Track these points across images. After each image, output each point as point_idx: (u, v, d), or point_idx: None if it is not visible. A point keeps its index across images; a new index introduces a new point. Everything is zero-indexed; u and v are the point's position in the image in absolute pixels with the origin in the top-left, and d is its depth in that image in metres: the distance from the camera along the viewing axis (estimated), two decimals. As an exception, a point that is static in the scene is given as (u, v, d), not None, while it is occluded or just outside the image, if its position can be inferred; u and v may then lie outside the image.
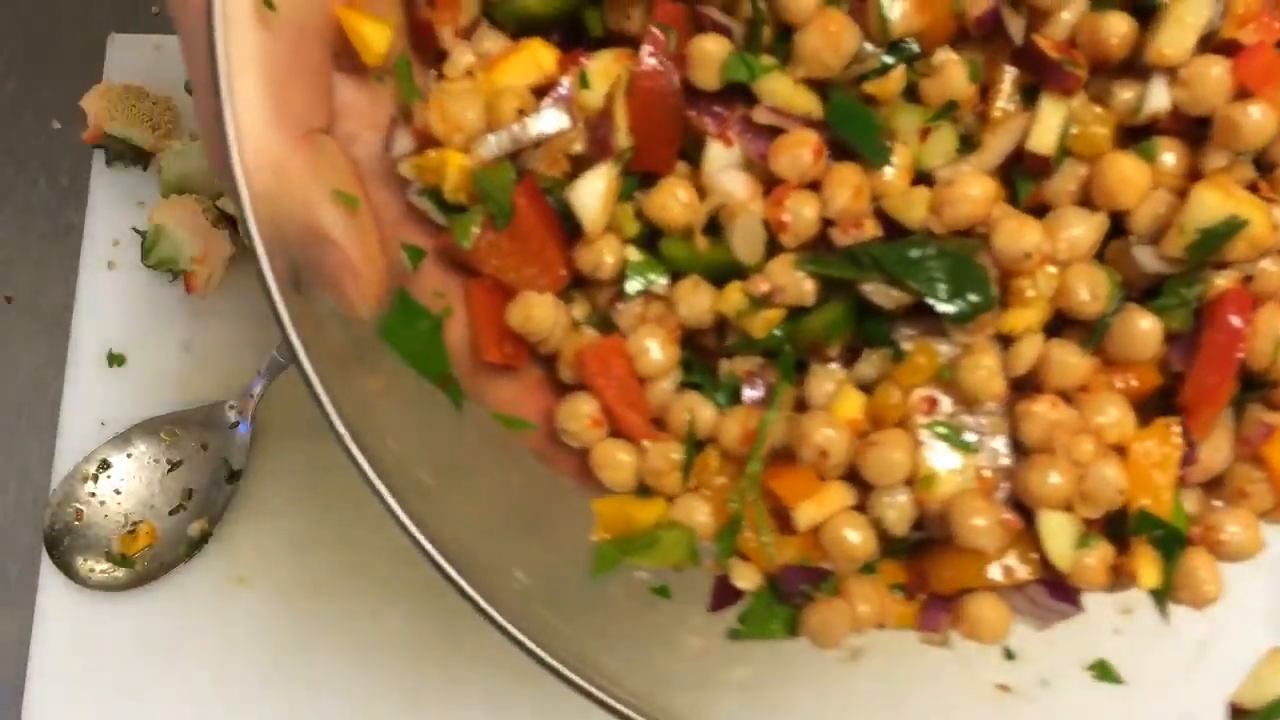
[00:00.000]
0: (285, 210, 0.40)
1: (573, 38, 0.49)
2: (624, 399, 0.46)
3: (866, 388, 0.48)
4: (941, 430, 0.46)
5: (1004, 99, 0.47)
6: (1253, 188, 0.46)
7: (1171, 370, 0.47)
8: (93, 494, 0.81)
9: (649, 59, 0.45)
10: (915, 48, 0.47)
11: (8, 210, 0.91)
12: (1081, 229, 0.46)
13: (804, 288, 0.46)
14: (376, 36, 0.43)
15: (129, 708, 0.79)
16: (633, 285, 0.47)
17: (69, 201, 0.90)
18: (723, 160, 0.47)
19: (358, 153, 0.45)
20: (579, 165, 0.47)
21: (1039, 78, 0.46)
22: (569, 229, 0.47)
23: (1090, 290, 0.45)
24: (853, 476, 0.47)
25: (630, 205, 0.47)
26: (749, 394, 0.48)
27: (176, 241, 0.84)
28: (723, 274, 0.47)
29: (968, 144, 0.48)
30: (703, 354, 0.49)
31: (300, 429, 0.80)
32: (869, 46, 0.46)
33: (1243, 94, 0.44)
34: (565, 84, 0.46)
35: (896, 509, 0.46)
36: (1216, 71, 0.44)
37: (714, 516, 0.46)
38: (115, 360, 0.86)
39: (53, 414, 0.85)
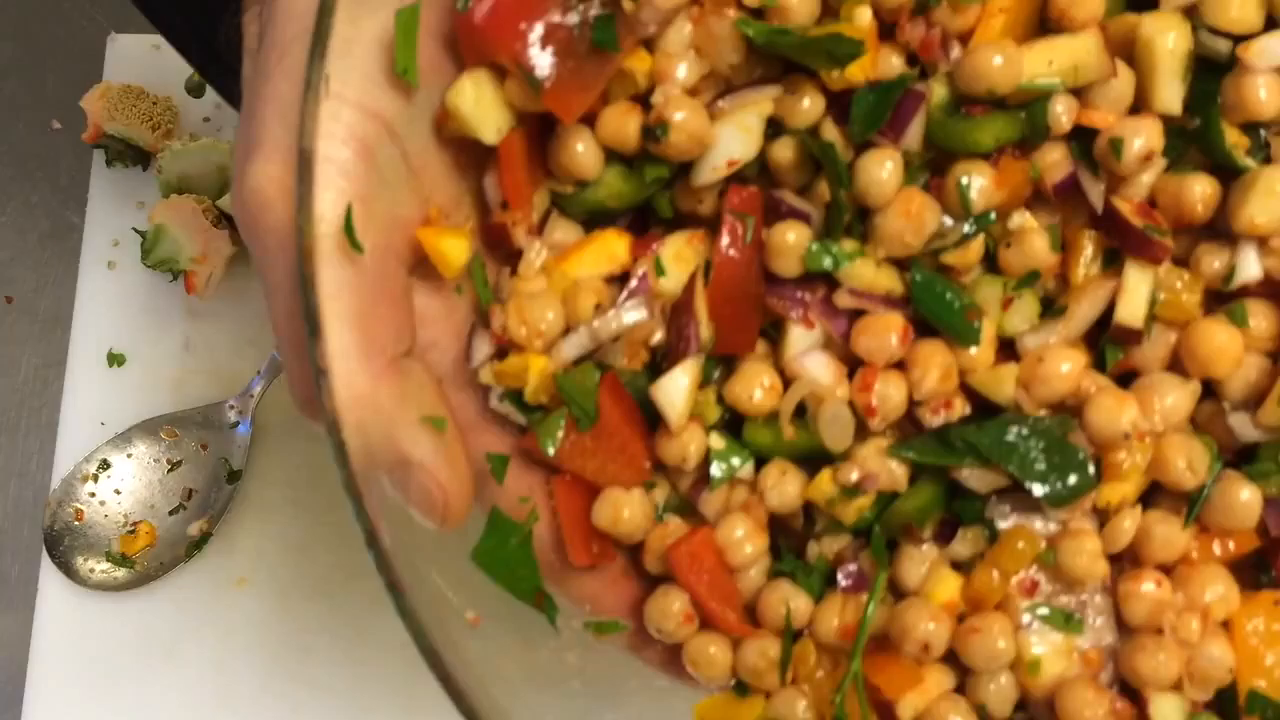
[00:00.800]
0: (375, 440, 0.39)
1: (643, 221, 0.48)
2: (716, 593, 0.45)
3: (960, 565, 0.47)
4: (1044, 612, 0.45)
5: (1086, 262, 0.47)
6: (1347, 349, 0.45)
7: (1270, 533, 0.46)
8: (93, 494, 0.80)
9: (728, 249, 0.45)
10: (992, 215, 0.46)
11: (8, 210, 0.91)
12: (1175, 397, 0.45)
13: (896, 475, 0.45)
14: (456, 251, 0.42)
15: (129, 708, 0.78)
16: (718, 473, 0.46)
17: (69, 201, 0.91)
18: (805, 343, 0.46)
19: (436, 359, 0.44)
20: (658, 355, 0.46)
21: (1122, 244, 0.46)
22: (650, 419, 0.46)
23: (1188, 462, 0.44)
24: (950, 655, 0.46)
25: (711, 390, 0.46)
26: (847, 575, 0.47)
27: (176, 241, 0.84)
28: (811, 458, 0.46)
29: (1049, 305, 0.48)
30: (789, 536, 0.48)
31: (300, 429, 0.80)
32: (948, 221, 0.45)
33: (1336, 261, 0.44)
34: (640, 273, 0.45)
35: (999, 692, 0.45)
36: (1309, 239, 0.43)
37: (815, 712, 0.45)
38: (115, 360, 0.85)
39: (53, 414, 0.85)
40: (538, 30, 0.40)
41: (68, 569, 0.79)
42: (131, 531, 0.80)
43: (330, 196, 0.37)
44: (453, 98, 0.41)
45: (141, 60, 0.90)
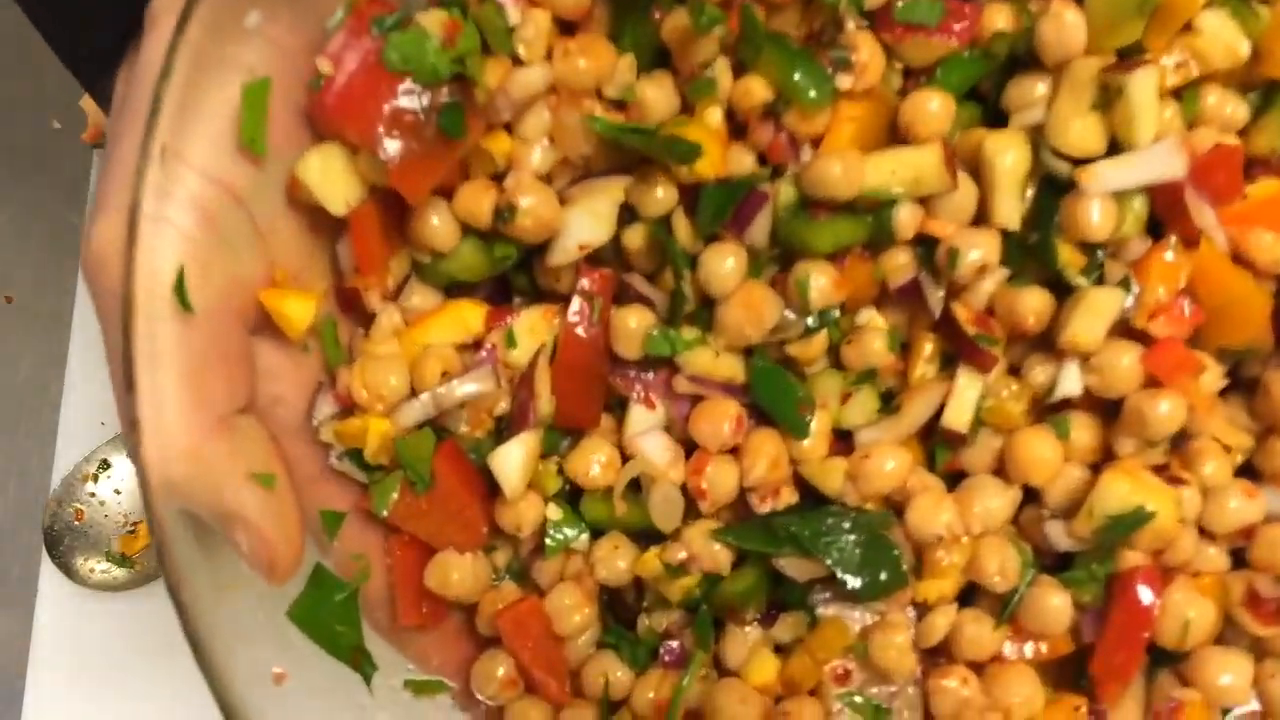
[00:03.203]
0: (200, 496, 0.40)
1: (501, 293, 0.49)
2: (540, 660, 0.47)
3: (782, 648, 0.48)
4: (854, 700, 0.46)
5: (924, 363, 0.48)
6: (1164, 466, 0.47)
7: (1083, 641, 0.47)
8: (93, 494, 0.80)
9: (575, 328, 0.46)
10: (837, 312, 0.47)
11: (8, 210, 0.90)
12: (995, 502, 0.47)
13: (720, 559, 0.46)
14: (300, 313, 0.43)
15: (129, 707, 0.77)
16: (552, 543, 0.47)
17: (69, 201, 0.89)
18: (645, 423, 0.47)
19: (280, 414, 0.45)
20: (503, 423, 0.47)
21: (956, 350, 0.47)
22: (491, 485, 0.47)
23: (1000, 568, 0.46)
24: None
25: (553, 462, 0.48)
26: (668, 652, 0.48)
27: None
28: (643, 534, 0.48)
29: (888, 400, 0.49)
30: (620, 609, 0.49)
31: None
32: (791, 315, 0.47)
33: (1152, 383, 0.45)
34: (491, 343, 0.47)
35: (809, 777, 0.46)
36: (1128, 362, 0.45)
37: (626, 783, 0.46)
38: None
39: (53, 414, 0.84)
40: (386, 113, 0.42)
41: (68, 569, 0.79)
42: (131, 531, 0.80)
43: (167, 257, 0.39)
44: (300, 170, 0.42)
45: (141, 60, 0.92)
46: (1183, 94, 0.46)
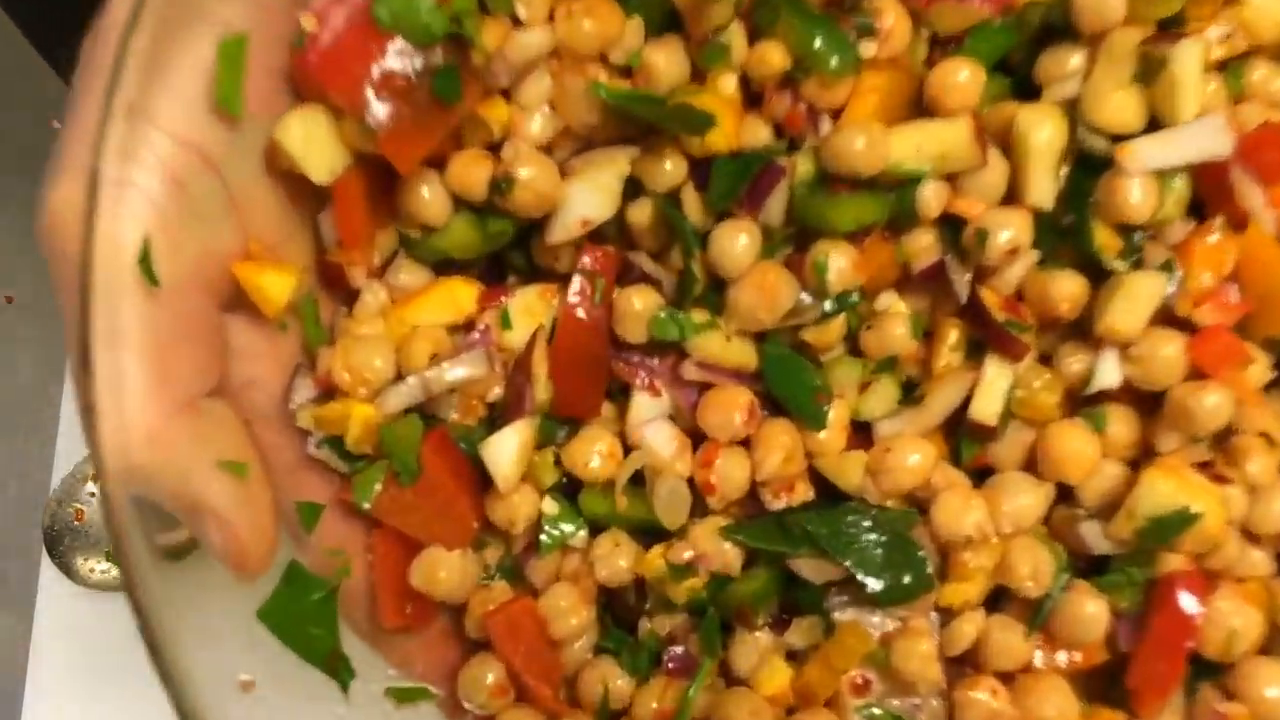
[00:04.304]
0: (163, 485, 0.37)
1: (496, 271, 0.46)
2: (533, 666, 0.43)
3: (795, 655, 0.45)
4: (874, 713, 0.43)
5: (948, 351, 0.45)
6: (1208, 463, 0.44)
7: (1120, 650, 0.44)
8: (92, 494, 0.80)
9: (575, 309, 0.43)
10: (856, 296, 0.44)
11: (8, 210, 0.87)
12: (1026, 500, 0.43)
13: (729, 558, 0.43)
14: (278, 288, 0.40)
15: (128, 707, 0.75)
16: (547, 540, 0.44)
17: None
18: (649, 412, 0.44)
19: (255, 397, 0.42)
20: (497, 410, 0.44)
21: (984, 337, 0.44)
22: (482, 477, 0.44)
23: (1033, 571, 0.43)
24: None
25: (550, 452, 0.45)
26: (672, 659, 0.45)
27: None
28: (647, 530, 0.45)
29: (910, 390, 0.46)
30: (622, 610, 0.46)
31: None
32: (807, 298, 0.44)
33: (1196, 374, 0.42)
34: (483, 325, 0.44)
35: (824, 796, 0.43)
36: (1170, 352, 0.42)
37: (625, 801, 0.43)
38: None
39: (53, 414, 0.84)
40: (375, 75, 0.39)
41: (68, 569, 0.79)
42: None
43: (131, 226, 0.36)
44: (280, 134, 0.39)
45: (142, 59, 0.93)
46: (1228, 67, 0.44)
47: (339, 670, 0.41)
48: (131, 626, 0.79)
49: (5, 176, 0.87)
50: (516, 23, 0.42)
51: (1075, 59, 0.44)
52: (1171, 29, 0.43)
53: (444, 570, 0.43)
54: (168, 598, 0.36)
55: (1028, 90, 0.45)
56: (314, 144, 0.40)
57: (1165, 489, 0.41)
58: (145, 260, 0.36)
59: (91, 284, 0.35)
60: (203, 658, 0.36)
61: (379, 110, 0.39)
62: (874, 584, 0.42)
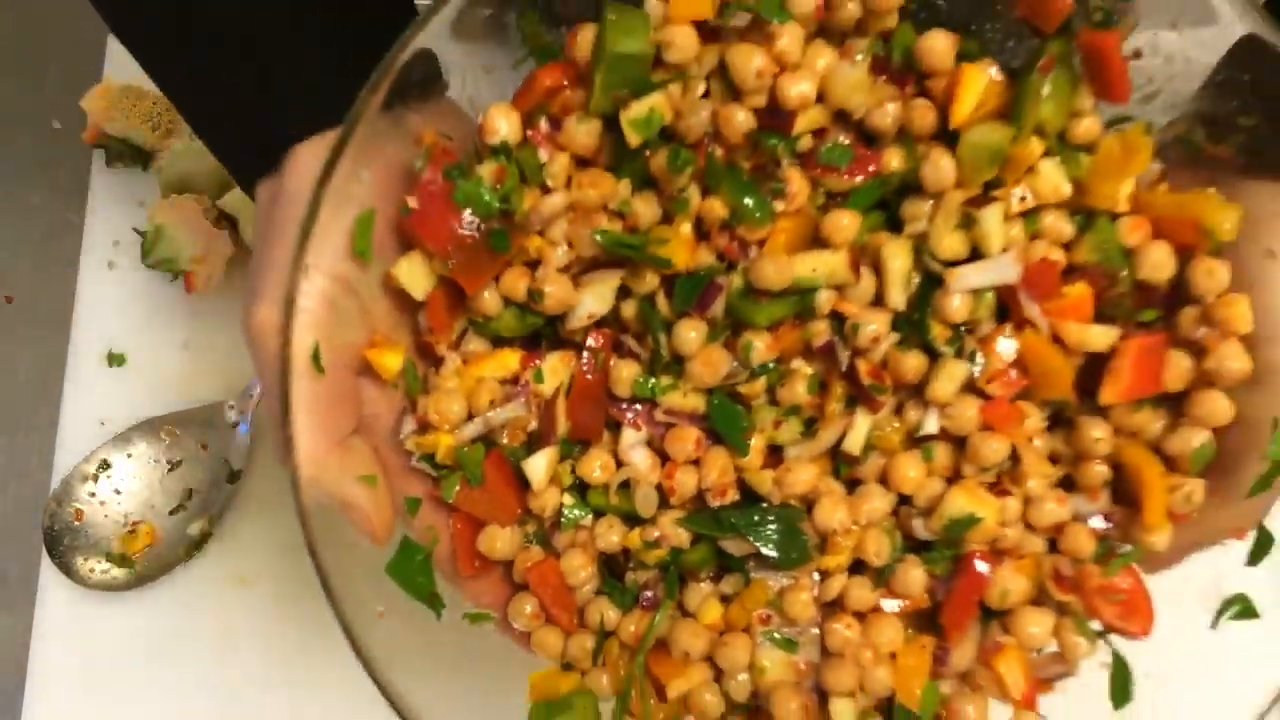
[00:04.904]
0: (326, 489, 0.60)
1: (534, 341, 0.68)
2: (557, 602, 0.66)
3: (726, 598, 0.68)
4: (773, 636, 0.66)
5: (834, 402, 0.67)
6: (996, 482, 0.65)
7: (936, 599, 0.67)
8: (93, 494, 0.79)
9: (585, 372, 0.65)
10: (772, 365, 0.66)
11: (8, 210, 0.90)
12: (878, 503, 0.65)
13: (682, 537, 0.66)
14: (392, 363, 0.62)
15: (129, 708, 0.77)
16: (566, 521, 0.67)
17: (69, 201, 0.89)
18: (633, 440, 0.66)
19: (379, 432, 0.65)
20: (533, 437, 0.67)
21: (857, 394, 0.66)
22: (522, 482, 0.67)
23: (878, 549, 0.65)
24: (709, 658, 0.67)
25: (568, 465, 0.67)
26: (645, 599, 0.68)
27: (176, 241, 0.82)
28: (630, 517, 0.67)
29: (809, 426, 0.68)
30: (614, 567, 0.69)
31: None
32: (739, 367, 0.65)
33: (987, 427, 0.64)
34: (525, 379, 0.66)
35: (738, 686, 0.66)
36: (971, 412, 0.63)
37: (613, 686, 0.67)
38: (115, 360, 0.84)
39: (53, 414, 0.83)
40: (452, 234, 0.60)
41: (68, 569, 0.78)
42: (131, 531, 0.79)
43: (306, 334, 0.58)
44: (395, 270, 0.61)
45: (141, 61, 0.87)
46: (1026, 216, 0.64)
47: (435, 603, 0.64)
48: (132, 626, 0.78)
49: (5, 176, 0.91)
50: (545, 189, 0.63)
51: (924, 207, 0.64)
52: (989, 189, 0.63)
53: (499, 540, 0.66)
54: (334, 560, 0.59)
55: (895, 221, 0.66)
56: (415, 274, 0.61)
57: (960, 501, 0.63)
58: (315, 356, 0.59)
59: (289, 371, 0.58)
60: (352, 593, 0.59)
61: (455, 256, 0.61)
62: (774, 555, 0.65)
